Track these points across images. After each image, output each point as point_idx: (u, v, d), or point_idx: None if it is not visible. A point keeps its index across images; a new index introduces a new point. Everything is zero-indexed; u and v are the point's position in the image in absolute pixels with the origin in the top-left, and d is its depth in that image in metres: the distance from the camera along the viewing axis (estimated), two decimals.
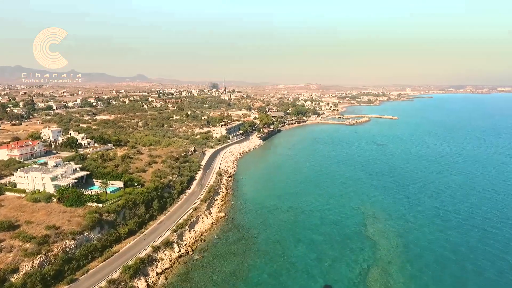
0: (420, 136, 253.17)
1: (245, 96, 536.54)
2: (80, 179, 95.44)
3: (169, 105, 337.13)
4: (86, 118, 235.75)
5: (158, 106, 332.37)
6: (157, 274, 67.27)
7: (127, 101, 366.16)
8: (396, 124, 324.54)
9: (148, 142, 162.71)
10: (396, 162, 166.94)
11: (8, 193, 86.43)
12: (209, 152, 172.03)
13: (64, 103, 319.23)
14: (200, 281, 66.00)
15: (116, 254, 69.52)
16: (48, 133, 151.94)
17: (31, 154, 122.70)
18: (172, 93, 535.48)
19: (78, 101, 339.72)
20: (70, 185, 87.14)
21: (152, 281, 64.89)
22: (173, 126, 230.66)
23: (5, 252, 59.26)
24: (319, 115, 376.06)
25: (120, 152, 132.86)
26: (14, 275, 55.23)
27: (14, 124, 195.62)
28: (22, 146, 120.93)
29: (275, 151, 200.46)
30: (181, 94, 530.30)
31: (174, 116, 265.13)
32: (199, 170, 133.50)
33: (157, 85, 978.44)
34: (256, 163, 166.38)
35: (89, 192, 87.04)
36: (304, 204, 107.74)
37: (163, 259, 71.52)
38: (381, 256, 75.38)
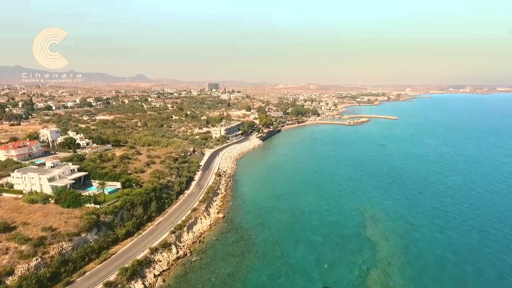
0: (419, 136, 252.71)
1: (244, 96, 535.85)
2: (77, 180, 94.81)
3: (169, 105, 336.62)
4: (85, 118, 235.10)
5: (158, 106, 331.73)
6: (155, 276, 66.67)
7: (126, 101, 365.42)
8: (395, 124, 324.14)
9: (147, 143, 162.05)
10: (395, 162, 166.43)
11: (5, 194, 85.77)
12: (208, 152, 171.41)
13: (63, 103, 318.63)
14: (198, 283, 65.41)
15: (113, 256, 68.88)
16: (47, 133, 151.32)
17: (29, 155, 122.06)
18: (171, 93, 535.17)
19: (77, 101, 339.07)
20: (68, 186, 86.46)
21: (150, 283, 64.27)
22: (172, 126, 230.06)
23: (1, 254, 58.55)
24: (318, 115, 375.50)
25: (118, 152, 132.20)
26: (10, 278, 54.61)
27: (12, 124, 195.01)
28: (20, 147, 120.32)
29: (275, 151, 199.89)
30: (181, 94, 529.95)
31: (173, 116, 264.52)
32: (198, 171, 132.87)
33: (157, 85, 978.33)
34: (255, 164, 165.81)
35: (87, 193, 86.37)
36: (304, 204, 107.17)
37: (161, 261, 70.93)
38: (381, 258, 74.83)
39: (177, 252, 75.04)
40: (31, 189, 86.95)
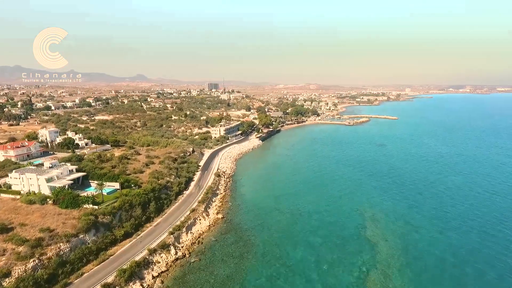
0: (419, 136, 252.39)
1: (244, 96, 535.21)
2: (76, 180, 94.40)
3: (168, 105, 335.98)
4: (84, 118, 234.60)
5: (157, 106, 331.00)
6: (153, 277, 66.28)
7: (126, 101, 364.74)
8: (395, 124, 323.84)
9: (146, 143, 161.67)
10: (395, 162, 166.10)
11: (2, 195, 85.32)
12: (207, 152, 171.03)
13: (62, 103, 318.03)
14: (196, 284, 65.03)
15: (111, 257, 68.48)
16: (45, 133, 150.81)
17: (27, 155, 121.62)
18: (171, 93, 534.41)
19: (77, 101, 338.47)
20: (66, 186, 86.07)
21: (148, 285, 63.88)
22: (172, 126, 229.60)
23: None
24: (318, 115, 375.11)
25: (117, 152, 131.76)
26: (6, 279, 54.24)
27: (11, 125, 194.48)
28: (18, 147, 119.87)
29: (274, 151, 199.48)
30: (180, 94, 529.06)
31: (172, 116, 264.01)
32: (197, 171, 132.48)
33: (157, 85, 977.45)
34: (255, 164, 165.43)
35: (85, 194, 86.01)
36: (303, 205, 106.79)
37: (159, 262, 70.55)
38: (380, 259, 74.46)
39: (176, 253, 74.66)
40: (29, 190, 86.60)
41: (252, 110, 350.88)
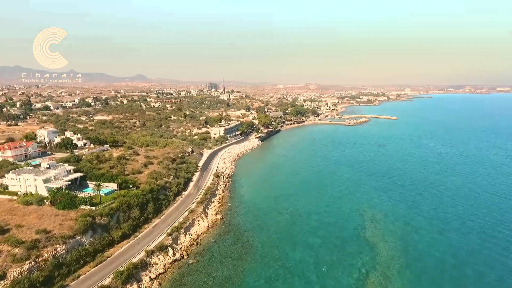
0: (419, 136, 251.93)
1: (244, 96, 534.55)
2: (73, 181, 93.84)
3: (168, 105, 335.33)
4: (83, 118, 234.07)
5: (156, 106, 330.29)
6: (151, 279, 65.66)
7: (125, 101, 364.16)
8: (395, 124, 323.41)
9: (145, 143, 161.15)
10: (395, 163, 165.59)
11: None
12: (207, 153, 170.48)
13: (61, 103, 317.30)
14: (194, 286, 64.41)
15: (108, 258, 67.88)
16: (44, 133, 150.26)
17: (25, 155, 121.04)
18: (171, 93, 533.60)
19: (76, 101, 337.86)
20: (63, 187, 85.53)
21: (145, 287, 63.28)
22: (171, 126, 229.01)
23: None
24: (318, 115, 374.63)
25: (116, 153, 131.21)
26: (2, 282, 53.55)
27: (10, 125, 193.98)
28: (16, 147, 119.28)
29: (274, 151, 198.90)
30: (180, 94, 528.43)
31: (172, 116, 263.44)
32: (196, 172, 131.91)
33: (156, 85, 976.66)
34: (254, 164, 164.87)
35: (83, 195, 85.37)
36: (302, 206, 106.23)
37: (157, 264, 69.95)
38: (380, 260, 73.92)
39: (174, 255, 74.04)
40: (26, 191, 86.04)
41: (251, 110, 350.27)
